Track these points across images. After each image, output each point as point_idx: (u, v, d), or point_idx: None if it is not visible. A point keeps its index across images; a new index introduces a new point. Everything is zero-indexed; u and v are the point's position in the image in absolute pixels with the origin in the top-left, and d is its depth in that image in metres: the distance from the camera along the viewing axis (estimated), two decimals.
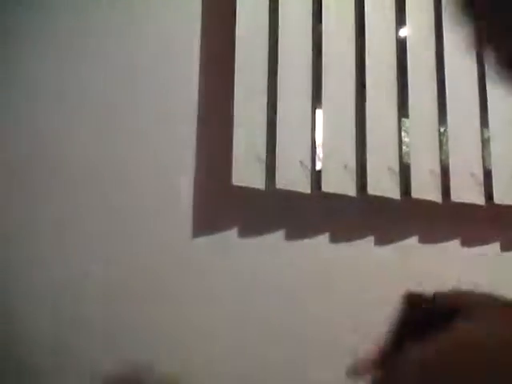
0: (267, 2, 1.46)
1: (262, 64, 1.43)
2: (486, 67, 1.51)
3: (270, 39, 1.45)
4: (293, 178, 1.40)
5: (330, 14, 1.49)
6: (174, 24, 1.45)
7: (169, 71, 1.43)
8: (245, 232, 1.42)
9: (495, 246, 1.52)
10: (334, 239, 1.46)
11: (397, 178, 1.46)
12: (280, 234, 1.43)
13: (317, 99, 1.46)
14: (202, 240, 1.40)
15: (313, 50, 1.47)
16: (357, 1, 1.51)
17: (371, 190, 1.44)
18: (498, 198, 1.47)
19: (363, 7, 1.51)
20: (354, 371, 0.58)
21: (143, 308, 1.32)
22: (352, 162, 1.44)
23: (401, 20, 1.53)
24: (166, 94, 1.41)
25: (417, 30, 1.55)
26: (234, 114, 1.38)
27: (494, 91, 1.51)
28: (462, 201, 1.46)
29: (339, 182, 1.42)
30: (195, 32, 1.46)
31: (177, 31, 1.45)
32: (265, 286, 1.40)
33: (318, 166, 1.44)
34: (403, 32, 1.54)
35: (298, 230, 1.44)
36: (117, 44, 1.42)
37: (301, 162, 1.41)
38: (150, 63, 1.43)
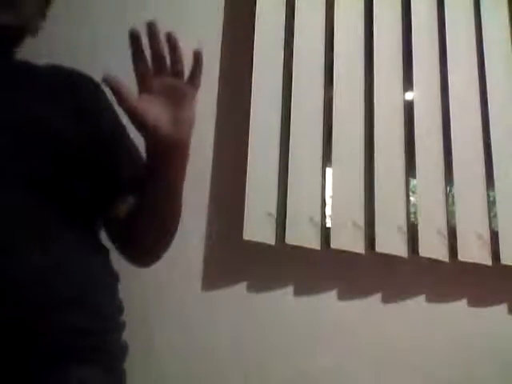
0: (281, 67, 1.53)
1: (275, 123, 1.48)
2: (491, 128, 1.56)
3: (283, 100, 1.50)
4: (303, 234, 1.42)
5: (339, 76, 1.54)
6: None
7: None
8: (254, 286, 1.43)
9: (503, 308, 1.52)
10: (343, 295, 1.47)
11: (405, 237, 1.48)
12: (289, 289, 1.44)
13: (327, 158, 1.50)
14: (211, 293, 1.41)
15: (324, 109, 1.52)
16: (366, 64, 1.57)
17: (379, 247, 1.46)
18: (505, 259, 1.49)
19: (372, 69, 1.57)
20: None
21: (147, 359, 1.32)
22: (361, 220, 1.47)
23: (408, 82, 1.59)
24: None
25: (424, 93, 1.60)
26: (247, 169, 1.42)
27: (500, 153, 1.55)
28: (469, 260, 1.48)
29: (348, 239, 1.45)
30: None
31: None
32: (273, 340, 1.41)
33: (329, 223, 1.47)
34: (410, 95, 1.60)
35: (308, 285, 1.45)
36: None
37: (311, 219, 1.44)
38: None
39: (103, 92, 1.05)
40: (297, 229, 1.42)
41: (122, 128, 1.05)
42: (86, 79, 1.06)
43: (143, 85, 0.82)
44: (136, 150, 1.04)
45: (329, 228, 1.46)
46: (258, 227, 1.39)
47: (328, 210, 1.47)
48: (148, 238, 0.97)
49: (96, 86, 1.06)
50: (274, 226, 1.41)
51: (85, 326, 0.84)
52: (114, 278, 0.98)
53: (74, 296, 0.84)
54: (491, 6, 1.65)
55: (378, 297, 1.48)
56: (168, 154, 0.86)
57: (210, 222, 1.44)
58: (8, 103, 0.89)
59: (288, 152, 1.46)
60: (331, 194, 1.48)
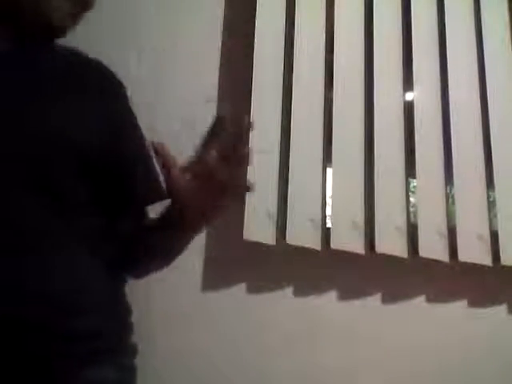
0: (282, 67, 1.53)
1: (275, 123, 1.48)
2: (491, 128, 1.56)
3: (283, 101, 1.50)
4: (303, 234, 1.42)
5: (339, 76, 1.55)
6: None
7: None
8: (254, 286, 1.43)
9: (503, 308, 1.52)
10: (343, 295, 1.47)
11: (405, 237, 1.48)
12: (289, 290, 1.44)
13: (327, 158, 1.50)
14: (211, 293, 1.41)
15: (324, 109, 1.52)
16: (366, 64, 1.57)
17: (379, 248, 1.45)
18: (505, 259, 1.48)
19: (372, 70, 1.57)
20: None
21: (149, 359, 1.32)
22: (361, 220, 1.47)
23: (408, 82, 1.59)
24: (180, 137, 1.42)
25: (424, 93, 1.60)
26: (248, 169, 1.42)
27: (500, 153, 1.55)
28: (469, 261, 1.48)
29: (348, 239, 1.45)
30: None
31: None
32: (273, 340, 1.41)
33: (329, 224, 1.47)
34: (410, 95, 1.60)
35: (308, 285, 1.45)
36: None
37: (311, 219, 1.44)
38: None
39: (128, 100, 1.02)
40: (297, 229, 1.42)
41: (144, 143, 1.02)
42: (118, 83, 1.01)
43: (197, 165, 0.81)
44: (155, 169, 1.01)
45: (329, 228, 1.46)
46: (258, 227, 1.39)
47: (328, 210, 1.47)
48: (147, 264, 1.00)
49: (124, 91, 1.02)
50: (274, 226, 1.42)
51: (97, 329, 0.85)
52: (121, 279, 0.99)
53: (85, 299, 0.85)
54: (491, 5, 1.65)
55: (377, 297, 1.48)
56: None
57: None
58: (31, 107, 0.87)
59: (288, 152, 1.46)
60: (331, 194, 1.48)
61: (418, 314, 1.48)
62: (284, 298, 1.44)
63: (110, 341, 0.87)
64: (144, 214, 1.01)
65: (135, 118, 1.01)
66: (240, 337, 1.40)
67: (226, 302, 1.41)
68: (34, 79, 0.90)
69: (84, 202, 0.91)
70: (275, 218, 1.42)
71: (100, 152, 0.91)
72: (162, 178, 0.97)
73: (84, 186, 0.91)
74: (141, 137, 1.01)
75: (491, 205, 1.54)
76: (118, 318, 0.93)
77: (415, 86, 1.59)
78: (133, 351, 0.95)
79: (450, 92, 1.58)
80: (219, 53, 1.53)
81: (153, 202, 0.98)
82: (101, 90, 0.96)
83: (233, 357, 1.38)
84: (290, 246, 1.41)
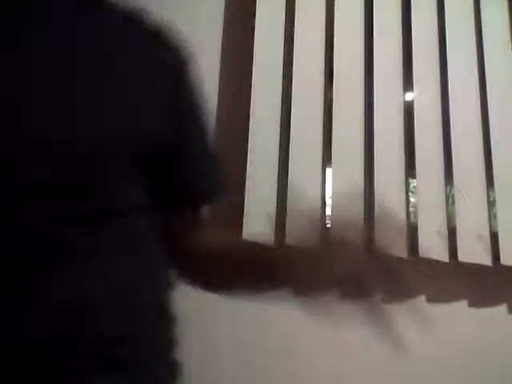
0: (282, 67, 1.53)
1: (275, 123, 1.48)
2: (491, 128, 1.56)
3: (283, 100, 1.50)
4: (302, 234, 1.42)
5: (339, 76, 1.55)
6: None
7: None
8: None
9: (503, 308, 1.52)
10: (343, 296, 1.46)
11: (404, 237, 1.48)
12: (289, 290, 1.44)
13: (327, 158, 1.50)
14: (211, 293, 1.41)
15: (324, 109, 1.52)
16: (366, 64, 1.57)
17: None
18: (505, 259, 1.48)
19: (372, 70, 1.57)
20: None
21: None
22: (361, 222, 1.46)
23: (408, 82, 1.59)
24: None
25: (424, 93, 1.60)
26: (247, 169, 1.42)
27: (500, 153, 1.55)
28: (469, 261, 1.48)
29: None
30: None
31: None
32: (273, 340, 1.40)
33: (329, 224, 1.46)
34: (410, 96, 1.60)
35: (306, 287, 1.45)
36: None
37: (311, 220, 1.44)
38: None
39: (192, 79, 0.87)
40: (296, 229, 1.42)
41: (207, 136, 0.87)
42: (183, 59, 0.86)
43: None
44: (215, 164, 0.89)
45: (329, 228, 1.45)
46: (256, 227, 1.39)
47: (328, 211, 1.47)
48: None
49: (189, 67, 0.87)
50: (274, 226, 1.41)
51: (112, 333, 0.72)
52: (164, 284, 0.82)
53: (96, 303, 0.71)
54: (491, 5, 1.65)
55: (377, 298, 1.48)
56: None
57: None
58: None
59: (288, 152, 1.46)
60: (331, 194, 1.48)
61: (418, 314, 1.48)
62: (284, 298, 1.43)
63: (130, 350, 0.72)
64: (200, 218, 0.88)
65: (199, 100, 0.85)
66: (240, 336, 1.40)
67: (226, 301, 1.40)
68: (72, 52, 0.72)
69: (121, 202, 0.75)
70: (274, 218, 1.42)
71: (148, 145, 0.75)
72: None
73: (125, 185, 0.75)
74: (203, 124, 0.85)
75: (491, 205, 1.54)
76: (150, 325, 0.76)
77: (415, 87, 1.59)
78: (171, 370, 0.77)
79: (450, 92, 1.58)
80: (219, 53, 1.53)
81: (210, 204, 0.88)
82: (160, 67, 0.80)
83: (233, 357, 1.38)
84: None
